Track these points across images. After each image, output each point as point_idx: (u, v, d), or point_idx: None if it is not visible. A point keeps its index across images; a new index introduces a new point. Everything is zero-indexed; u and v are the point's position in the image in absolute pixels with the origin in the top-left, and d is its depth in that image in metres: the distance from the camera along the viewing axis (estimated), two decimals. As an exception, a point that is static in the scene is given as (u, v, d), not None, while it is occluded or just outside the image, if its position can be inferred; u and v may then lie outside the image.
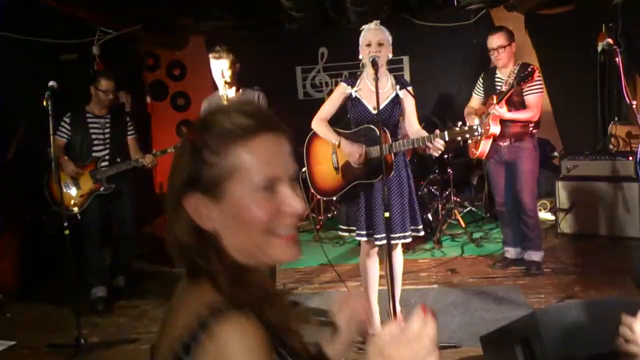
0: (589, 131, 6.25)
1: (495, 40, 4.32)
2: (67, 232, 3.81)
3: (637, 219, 4.95)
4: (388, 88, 3.49)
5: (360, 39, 3.46)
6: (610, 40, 4.56)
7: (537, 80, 4.21)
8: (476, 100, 4.63)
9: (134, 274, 5.02)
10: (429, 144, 3.24)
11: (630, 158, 5.00)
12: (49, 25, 5.33)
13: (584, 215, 5.31)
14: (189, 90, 7.68)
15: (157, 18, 6.17)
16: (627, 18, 5.27)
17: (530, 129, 4.33)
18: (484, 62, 6.98)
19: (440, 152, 3.28)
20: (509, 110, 4.18)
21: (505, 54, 4.30)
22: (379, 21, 3.48)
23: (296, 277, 4.99)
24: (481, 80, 4.60)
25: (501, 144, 4.37)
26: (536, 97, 4.24)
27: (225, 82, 3.85)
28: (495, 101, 4.17)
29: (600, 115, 6.06)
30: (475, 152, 4.45)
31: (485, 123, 4.24)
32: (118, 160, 4.61)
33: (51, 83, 3.78)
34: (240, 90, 4.00)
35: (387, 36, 3.42)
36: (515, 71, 4.27)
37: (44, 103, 3.71)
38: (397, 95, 3.49)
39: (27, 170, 4.98)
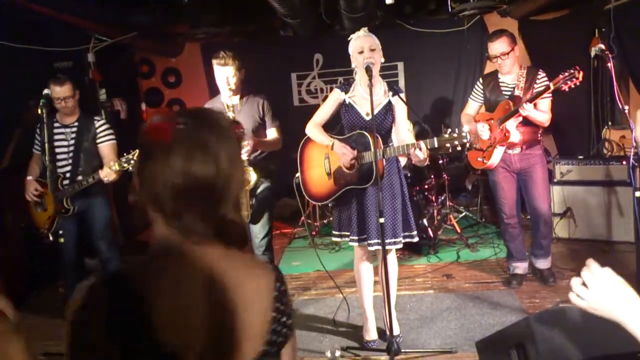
0: (583, 136, 6.29)
1: (498, 47, 4.11)
2: (61, 240, 3.81)
3: (631, 223, 4.96)
4: (381, 94, 3.50)
5: (350, 47, 3.47)
6: (602, 46, 4.54)
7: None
8: (474, 106, 4.45)
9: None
10: (410, 153, 3.24)
11: (624, 162, 5.02)
12: (44, 33, 5.34)
13: (578, 220, 5.33)
14: (184, 97, 7.70)
15: (152, 25, 6.17)
16: (620, 24, 5.31)
17: (539, 135, 4.23)
18: (478, 67, 7.09)
19: (422, 161, 3.27)
20: (524, 116, 3.99)
21: (509, 60, 4.12)
22: (367, 27, 3.50)
23: (293, 284, 4.99)
24: (480, 86, 4.39)
25: (511, 152, 4.21)
26: (549, 101, 4.09)
27: (230, 89, 3.75)
28: (511, 106, 4.02)
29: (594, 120, 6.10)
30: (485, 162, 4.25)
31: (503, 129, 4.08)
32: (79, 176, 4.15)
33: (46, 91, 3.79)
34: (244, 98, 3.91)
35: (377, 42, 3.44)
36: (524, 74, 4.12)
37: (39, 111, 3.71)
38: (389, 102, 3.51)
39: (21, 178, 4.97)
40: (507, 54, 4.10)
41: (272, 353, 1.18)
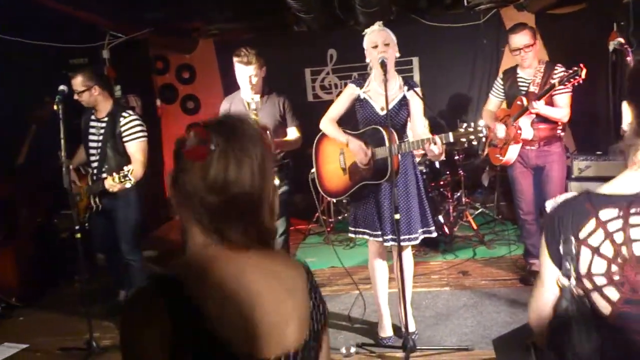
0: (601, 131, 6.19)
1: (521, 39, 4.06)
2: (78, 235, 3.82)
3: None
4: (395, 89, 3.47)
5: (365, 41, 3.44)
6: (621, 40, 4.47)
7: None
8: (494, 102, 4.42)
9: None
10: (426, 148, 3.20)
11: (644, 158, 4.92)
12: (60, 30, 5.36)
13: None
14: (199, 93, 7.70)
15: (166, 22, 6.18)
16: (639, 17, 5.21)
17: (559, 132, 4.13)
18: (494, 62, 7.01)
19: (437, 156, 3.23)
20: (535, 113, 3.96)
21: (531, 53, 4.07)
22: (381, 22, 3.46)
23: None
24: (500, 81, 4.36)
25: (529, 148, 4.15)
26: (568, 96, 4.01)
27: (252, 89, 3.70)
28: (524, 102, 3.97)
29: (613, 115, 6.00)
30: (501, 158, 4.21)
31: (515, 127, 4.04)
32: (103, 174, 3.98)
33: (62, 87, 3.79)
34: (265, 97, 3.83)
35: (392, 36, 3.41)
36: (542, 69, 4.06)
37: (55, 107, 3.72)
38: (404, 97, 3.47)
39: (37, 173, 5.01)
40: (530, 46, 4.04)
41: (314, 341, 1.25)
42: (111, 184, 3.72)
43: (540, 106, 3.88)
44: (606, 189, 1.39)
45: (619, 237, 1.24)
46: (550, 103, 3.99)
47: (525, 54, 4.07)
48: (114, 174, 3.73)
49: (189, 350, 1.07)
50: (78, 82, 4.00)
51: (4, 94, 4.76)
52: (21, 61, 4.98)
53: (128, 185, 3.68)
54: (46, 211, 5.18)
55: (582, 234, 1.27)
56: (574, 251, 1.28)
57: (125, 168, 3.68)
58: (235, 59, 3.72)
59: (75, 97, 4.04)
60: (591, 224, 1.27)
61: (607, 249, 1.25)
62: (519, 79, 4.20)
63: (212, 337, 1.09)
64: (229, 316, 1.12)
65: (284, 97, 3.92)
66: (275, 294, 1.18)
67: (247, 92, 3.75)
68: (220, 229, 1.16)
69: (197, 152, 1.15)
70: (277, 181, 3.63)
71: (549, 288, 1.38)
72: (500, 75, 4.41)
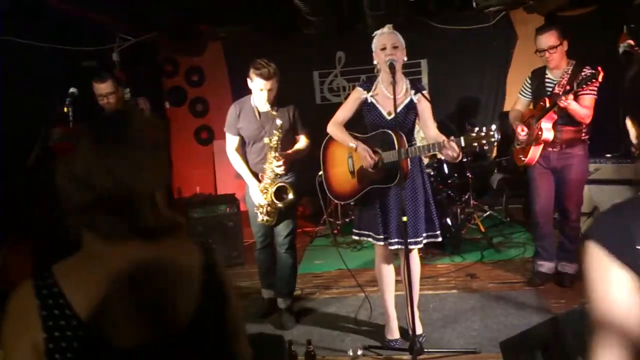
0: (611, 134, 6.16)
1: (546, 40, 3.99)
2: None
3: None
4: (403, 93, 3.46)
5: (374, 43, 3.44)
6: (631, 42, 4.45)
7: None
8: (523, 102, 4.36)
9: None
10: (442, 150, 3.19)
11: (653, 161, 4.90)
12: (70, 32, 5.41)
13: (606, 219, 5.21)
14: (207, 96, 7.74)
15: (175, 24, 6.22)
16: (649, 19, 5.19)
17: (583, 134, 4.09)
18: (504, 65, 6.99)
19: (455, 158, 3.21)
20: (565, 111, 3.92)
21: (557, 55, 4.00)
22: (391, 25, 3.46)
23: (314, 282, 4.98)
24: (528, 81, 4.29)
25: (551, 150, 4.12)
26: (592, 98, 3.95)
27: (267, 101, 3.74)
28: (547, 103, 3.96)
29: (623, 118, 5.95)
30: (523, 158, 4.20)
31: (537, 128, 4.02)
32: None
33: (72, 89, 3.83)
34: (275, 107, 3.79)
35: (401, 40, 3.40)
36: (569, 71, 4.00)
37: (65, 109, 3.76)
38: (411, 101, 3.46)
39: (48, 174, 5.03)
40: (556, 47, 3.98)
41: (210, 319, 1.29)
42: None
43: (570, 101, 3.83)
44: None
45: None
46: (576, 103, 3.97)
47: (550, 55, 4.00)
48: None
49: (63, 347, 1.15)
50: (108, 85, 4.09)
51: (15, 96, 4.80)
52: (31, 63, 5.02)
53: None
54: (57, 211, 5.21)
55: None
56: None
57: None
58: (254, 72, 3.72)
59: (105, 100, 4.11)
60: None
61: None
62: (546, 80, 4.15)
63: (84, 330, 1.16)
64: (103, 309, 1.17)
65: (293, 107, 3.95)
66: (155, 284, 1.23)
67: (261, 103, 3.77)
68: (93, 224, 1.21)
69: (63, 148, 1.18)
70: (291, 195, 3.73)
71: (621, 297, 1.19)
72: (529, 75, 4.34)
